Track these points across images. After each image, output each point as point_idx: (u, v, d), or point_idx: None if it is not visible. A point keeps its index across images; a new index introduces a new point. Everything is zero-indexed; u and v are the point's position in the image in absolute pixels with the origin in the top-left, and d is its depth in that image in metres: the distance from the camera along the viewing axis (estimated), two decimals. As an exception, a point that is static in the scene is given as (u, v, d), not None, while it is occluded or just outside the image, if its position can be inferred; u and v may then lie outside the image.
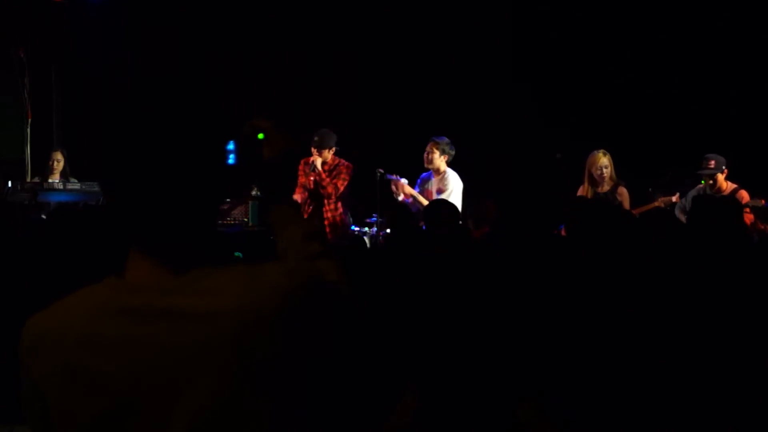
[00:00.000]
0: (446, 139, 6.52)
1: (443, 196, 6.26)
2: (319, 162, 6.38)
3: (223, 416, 1.07)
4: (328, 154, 6.41)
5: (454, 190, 6.42)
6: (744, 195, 6.15)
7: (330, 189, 6.39)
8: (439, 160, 6.48)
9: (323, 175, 6.39)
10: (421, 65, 8.55)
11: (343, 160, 6.49)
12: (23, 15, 8.12)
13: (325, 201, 6.45)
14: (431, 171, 6.58)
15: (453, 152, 6.53)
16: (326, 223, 6.47)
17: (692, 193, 6.50)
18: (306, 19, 8.73)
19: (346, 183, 6.43)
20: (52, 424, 1.14)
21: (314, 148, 6.37)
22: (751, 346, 2.73)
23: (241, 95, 8.96)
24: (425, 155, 6.51)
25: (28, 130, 7.58)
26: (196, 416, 1.07)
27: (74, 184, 6.96)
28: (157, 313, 1.10)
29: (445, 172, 6.50)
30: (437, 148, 6.46)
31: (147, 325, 1.09)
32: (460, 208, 6.21)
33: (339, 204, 6.51)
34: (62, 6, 8.45)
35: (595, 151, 6.44)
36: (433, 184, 6.54)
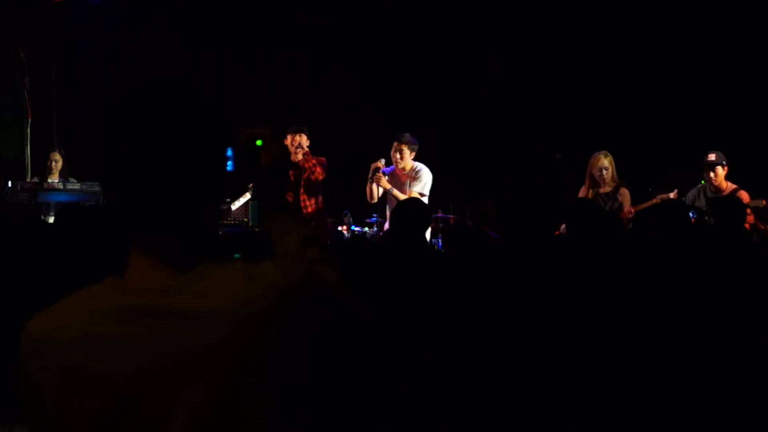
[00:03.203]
0: (409, 136, 6.49)
1: (415, 189, 6.31)
2: (305, 142, 6.41)
3: (221, 416, 1.07)
4: (307, 141, 6.45)
5: (425, 183, 6.40)
6: (744, 195, 6.14)
7: (318, 168, 6.41)
8: (409, 158, 6.46)
9: (309, 156, 6.42)
10: (422, 66, 8.56)
11: (318, 157, 6.55)
12: (23, 15, 8.12)
13: (304, 195, 6.47)
14: (392, 167, 6.53)
15: (417, 147, 6.50)
16: (310, 211, 6.51)
17: (692, 192, 6.50)
18: (306, 20, 8.73)
19: (323, 175, 6.49)
20: (52, 425, 1.14)
21: (293, 133, 6.41)
22: (750, 345, 2.73)
23: (241, 95, 8.98)
24: (394, 155, 6.42)
25: (28, 130, 7.57)
26: (194, 416, 1.07)
27: (74, 184, 6.96)
28: (156, 314, 1.10)
29: (415, 166, 6.46)
30: (406, 147, 6.42)
31: (145, 326, 1.10)
32: (426, 199, 6.30)
33: (320, 198, 6.56)
34: (62, 6, 8.45)
35: (596, 153, 6.45)
36: (402, 179, 6.47)
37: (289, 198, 6.40)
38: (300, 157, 6.43)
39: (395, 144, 6.43)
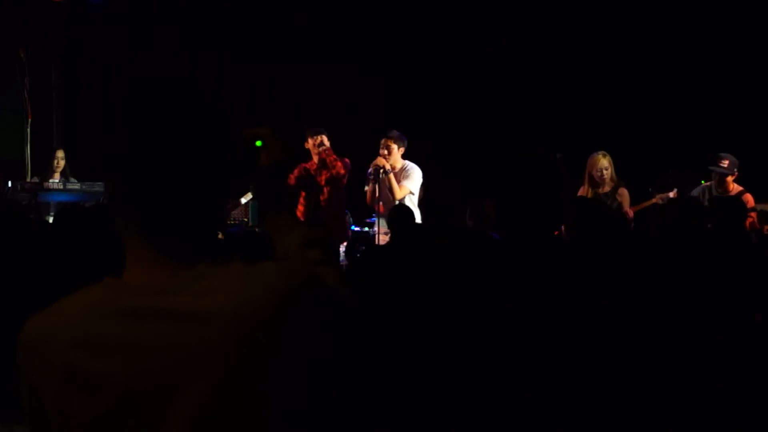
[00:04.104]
0: (397, 132, 6.51)
1: (406, 185, 6.34)
2: (325, 142, 6.44)
3: (221, 416, 1.07)
4: (328, 141, 6.48)
5: (416, 181, 6.42)
6: (749, 198, 6.12)
7: (339, 164, 6.42)
8: (397, 155, 6.47)
9: (330, 151, 6.43)
10: (422, 66, 8.56)
11: (342, 158, 6.56)
12: (23, 15, 8.12)
13: (324, 195, 6.47)
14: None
15: (406, 144, 6.52)
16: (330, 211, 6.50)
17: (696, 192, 6.48)
18: (306, 20, 8.73)
19: (347, 176, 6.51)
20: (51, 425, 1.14)
21: (313, 135, 6.44)
22: (750, 344, 2.73)
23: (241, 95, 8.98)
24: (382, 151, 6.44)
25: (28, 130, 7.57)
26: (194, 416, 1.07)
27: (74, 184, 6.96)
28: (155, 314, 1.10)
29: (405, 164, 6.49)
30: (393, 143, 6.45)
31: (145, 326, 1.09)
32: (417, 199, 6.35)
33: (341, 205, 6.56)
34: (62, 6, 8.45)
35: (595, 153, 6.44)
36: (393, 177, 6.46)
37: (303, 201, 6.44)
38: (316, 159, 6.45)
39: (383, 141, 6.47)
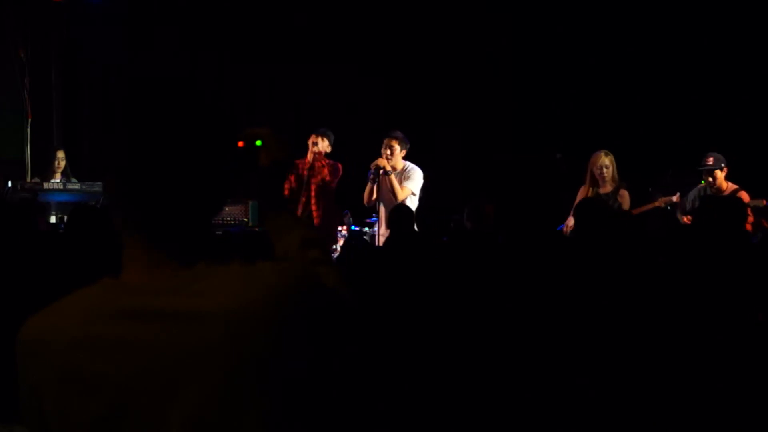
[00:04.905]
0: (401, 133, 6.51)
1: (408, 186, 6.33)
2: (320, 144, 6.42)
3: (221, 416, 1.07)
4: (327, 147, 6.46)
5: (417, 182, 6.41)
6: (744, 196, 6.14)
7: (326, 170, 6.41)
8: (400, 155, 6.47)
9: (320, 156, 6.41)
10: (422, 66, 8.56)
11: (333, 162, 6.55)
12: (23, 15, 8.11)
13: (314, 198, 6.46)
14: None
15: (408, 146, 6.51)
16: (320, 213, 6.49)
17: (693, 193, 6.51)
18: (306, 20, 8.73)
19: (336, 181, 6.50)
20: (50, 425, 1.14)
21: (317, 135, 6.43)
22: (749, 344, 2.73)
23: (241, 95, 8.98)
24: (384, 151, 6.42)
25: (28, 130, 7.56)
26: (194, 416, 1.07)
27: (74, 184, 6.96)
28: (154, 314, 1.10)
29: (406, 165, 6.49)
30: (397, 143, 6.44)
31: (144, 326, 1.09)
32: (417, 200, 6.33)
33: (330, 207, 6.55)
34: (62, 6, 8.45)
35: (597, 151, 6.46)
36: (395, 178, 6.46)
37: (299, 200, 6.45)
38: (310, 157, 6.44)
39: (386, 141, 6.46)
